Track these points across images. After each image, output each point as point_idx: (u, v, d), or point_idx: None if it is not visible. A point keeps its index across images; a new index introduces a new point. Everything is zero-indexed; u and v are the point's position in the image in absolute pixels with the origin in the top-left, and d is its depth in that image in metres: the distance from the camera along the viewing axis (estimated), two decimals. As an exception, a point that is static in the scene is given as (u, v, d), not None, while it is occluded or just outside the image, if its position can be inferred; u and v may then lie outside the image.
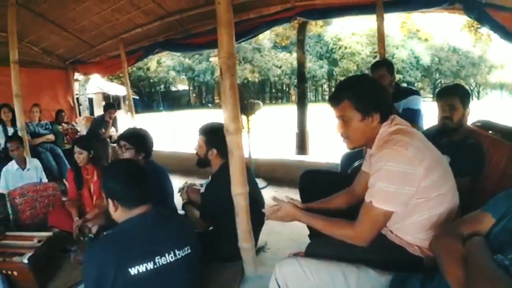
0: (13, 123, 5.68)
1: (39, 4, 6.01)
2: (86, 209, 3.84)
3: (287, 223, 2.17)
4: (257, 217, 2.66)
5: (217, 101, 51.27)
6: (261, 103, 5.62)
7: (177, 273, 1.77)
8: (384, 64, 3.68)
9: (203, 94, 54.23)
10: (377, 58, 4.73)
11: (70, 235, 3.55)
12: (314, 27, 11.24)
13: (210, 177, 2.98)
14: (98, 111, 20.24)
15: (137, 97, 35.15)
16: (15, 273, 2.86)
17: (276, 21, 5.40)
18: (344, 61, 42.48)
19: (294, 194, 4.20)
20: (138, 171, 1.92)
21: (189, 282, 1.88)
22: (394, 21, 10.37)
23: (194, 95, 53.42)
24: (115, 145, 6.95)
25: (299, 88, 9.60)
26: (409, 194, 1.65)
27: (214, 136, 2.81)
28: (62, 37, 7.29)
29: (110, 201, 1.83)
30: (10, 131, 5.70)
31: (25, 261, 2.81)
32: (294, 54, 41.76)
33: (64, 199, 4.32)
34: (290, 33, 11.97)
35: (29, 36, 7.15)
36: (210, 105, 50.38)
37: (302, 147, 8.80)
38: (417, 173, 1.62)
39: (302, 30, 8.80)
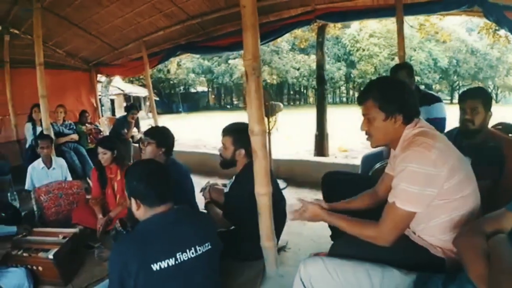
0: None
1: (64, 7, 6.14)
2: (109, 207, 3.94)
3: (308, 224, 2.19)
4: (279, 217, 2.69)
5: (235, 103, 51.36)
6: (281, 105, 5.64)
7: (198, 269, 1.80)
8: (404, 67, 3.67)
9: (222, 96, 54.27)
10: (395, 61, 4.72)
11: (93, 232, 3.66)
12: (332, 29, 11.20)
13: (234, 177, 3.00)
14: (119, 112, 20.53)
15: (157, 99, 35.45)
16: (40, 268, 2.93)
17: (296, 24, 5.42)
18: (362, 63, 41.85)
19: (314, 195, 4.26)
20: (160, 170, 1.96)
21: (210, 278, 1.92)
22: (412, 23, 10.28)
23: (213, 96, 53.47)
24: (137, 145, 7.10)
25: (318, 90, 9.58)
26: (432, 196, 1.66)
27: (241, 136, 2.81)
28: (86, 40, 7.45)
29: (132, 200, 1.88)
30: (39, 130, 5.85)
31: (51, 256, 2.88)
32: (312, 56, 41.44)
33: (88, 197, 4.43)
34: (309, 36, 11.93)
35: (53, 39, 7.32)
36: (228, 106, 50.43)
37: (321, 148, 8.78)
38: (440, 175, 1.64)
39: (321, 32, 8.78)
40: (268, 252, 2.66)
